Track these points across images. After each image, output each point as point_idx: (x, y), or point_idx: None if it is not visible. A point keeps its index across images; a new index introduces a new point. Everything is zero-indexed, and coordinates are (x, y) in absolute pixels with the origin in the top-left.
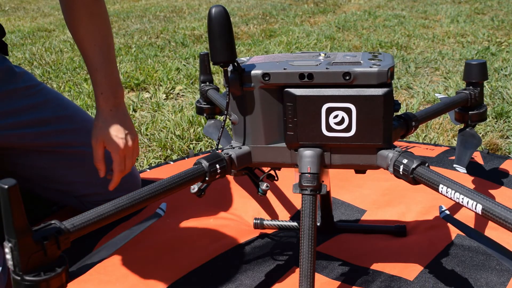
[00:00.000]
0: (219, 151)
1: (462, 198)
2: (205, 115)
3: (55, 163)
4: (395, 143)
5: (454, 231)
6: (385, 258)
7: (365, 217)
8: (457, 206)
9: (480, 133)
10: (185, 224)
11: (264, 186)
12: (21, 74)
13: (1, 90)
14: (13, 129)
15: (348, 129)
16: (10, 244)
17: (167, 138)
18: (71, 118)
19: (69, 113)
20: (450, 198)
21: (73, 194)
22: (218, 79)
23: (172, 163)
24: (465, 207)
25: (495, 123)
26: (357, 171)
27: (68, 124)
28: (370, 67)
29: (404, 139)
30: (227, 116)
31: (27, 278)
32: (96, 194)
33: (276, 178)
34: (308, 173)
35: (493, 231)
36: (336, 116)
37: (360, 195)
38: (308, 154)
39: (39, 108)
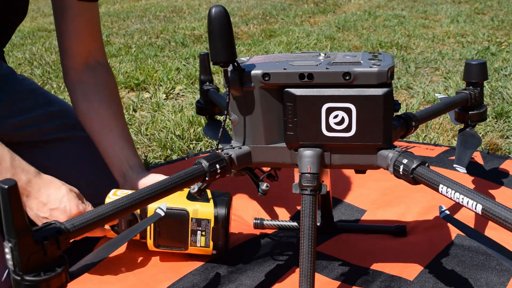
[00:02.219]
0: (219, 151)
1: (462, 198)
2: (205, 115)
3: (54, 162)
4: (395, 143)
5: (454, 231)
6: (385, 258)
7: (365, 217)
8: (457, 206)
9: (480, 133)
10: None
11: (264, 186)
12: (23, 79)
13: (6, 91)
14: (22, 127)
15: (348, 129)
16: (10, 244)
17: (167, 138)
18: (74, 115)
19: (74, 111)
20: (450, 198)
21: None
22: (218, 79)
23: (172, 163)
24: (465, 207)
25: (495, 123)
26: (357, 171)
27: (72, 119)
28: (370, 67)
29: (404, 139)
30: (227, 116)
31: (27, 278)
32: (91, 195)
33: (276, 178)
34: (308, 173)
35: (493, 231)
36: (336, 116)
37: (360, 195)
38: (308, 154)
39: (46, 106)
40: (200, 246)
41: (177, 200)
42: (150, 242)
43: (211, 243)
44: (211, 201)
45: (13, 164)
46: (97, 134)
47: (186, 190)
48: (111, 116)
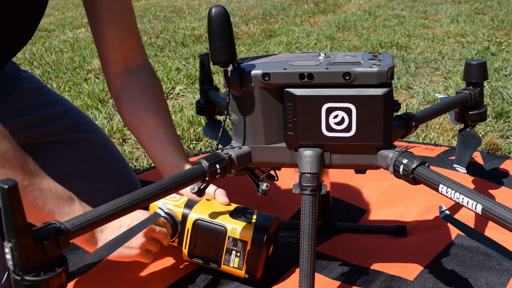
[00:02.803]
0: (219, 151)
1: (462, 198)
2: (205, 115)
3: (54, 164)
4: (395, 143)
5: (454, 231)
6: (385, 258)
7: (365, 217)
8: (457, 206)
9: (480, 133)
10: None
11: (264, 186)
12: (27, 77)
13: (9, 90)
14: (23, 128)
15: (348, 129)
16: (10, 244)
17: None
18: (76, 116)
19: (76, 112)
20: (450, 198)
21: None
22: (218, 79)
23: None
24: (465, 207)
25: (495, 123)
26: (357, 171)
27: (72, 120)
28: (370, 67)
29: (404, 139)
30: (227, 116)
31: (27, 278)
32: (90, 200)
33: (276, 178)
34: (308, 173)
35: (493, 231)
36: (336, 116)
37: (360, 195)
38: (308, 154)
39: (48, 106)
40: (233, 267)
41: (219, 215)
42: (185, 251)
43: (245, 266)
44: (254, 223)
45: (81, 203)
46: (146, 143)
47: (233, 206)
48: (159, 123)
